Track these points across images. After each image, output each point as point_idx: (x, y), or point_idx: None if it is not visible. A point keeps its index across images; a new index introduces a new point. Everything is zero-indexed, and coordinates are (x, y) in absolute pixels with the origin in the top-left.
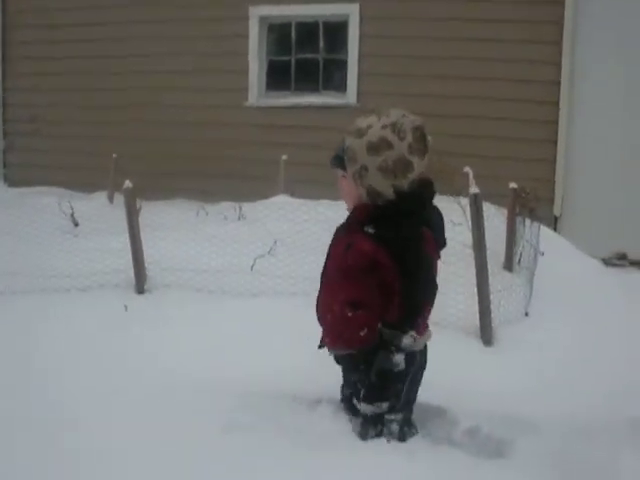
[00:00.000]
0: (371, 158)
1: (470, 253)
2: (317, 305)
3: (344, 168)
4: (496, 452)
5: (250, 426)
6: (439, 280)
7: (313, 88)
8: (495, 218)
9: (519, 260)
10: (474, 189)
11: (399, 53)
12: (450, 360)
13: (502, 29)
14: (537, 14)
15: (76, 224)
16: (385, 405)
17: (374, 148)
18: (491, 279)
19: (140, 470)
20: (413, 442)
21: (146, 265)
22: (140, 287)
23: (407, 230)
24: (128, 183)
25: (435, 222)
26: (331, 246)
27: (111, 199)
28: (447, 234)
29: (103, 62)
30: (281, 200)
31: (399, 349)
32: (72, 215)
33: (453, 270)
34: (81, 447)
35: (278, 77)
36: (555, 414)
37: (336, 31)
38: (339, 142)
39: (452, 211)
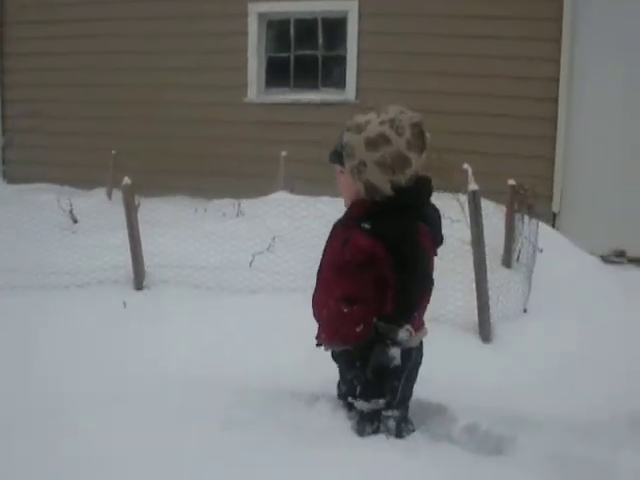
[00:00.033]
0: (369, 153)
1: (469, 250)
2: (313, 301)
3: (342, 163)
4: (495, 449)
5: (249, 422)
6: (437, 276)
7: (312, 85)
8: (494, 215)
9: (518, 257)
10: (473, 186)
11: (398, 50)
12: (448, 356)
13: (501, 26)
14: (536, 11)
15: (75, 221)
16: (382, 402)
17: (372, 143)
18: (489, 275)
19: (139, 466)
20: (412, 439)
21: (145, 262)
22: (139, 283)
23: (404, 225)
24: (127, 180)
25: (432, 218)
26: (328, 242)
27: (110, 196)
28: (446, 231)
29: (102, 59)
30: (280, 197)
31: (395, 343)
32: (71, 212)
33: (452, 267)
34: (80, 444)
35: (277, 74)
36: (554, 410)
37: (335, 28)
38: (338, 138)
39: (451, 208)
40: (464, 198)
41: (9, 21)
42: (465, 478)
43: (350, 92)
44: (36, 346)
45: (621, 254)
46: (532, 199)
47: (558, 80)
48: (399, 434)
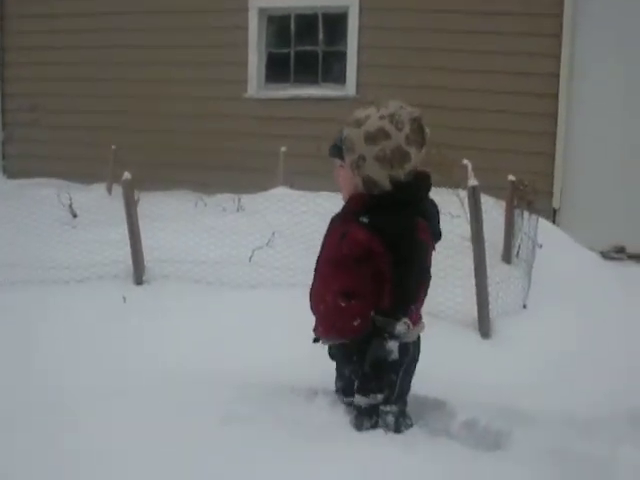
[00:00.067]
0: (368, 148)
1: (468, 245)
2: (310, 294)
3: (342, 157)
4: (494, 444)
5: (248, 417)
6: (437, 272)
7: (312, 80)
8: (493, 210)
9: (517, 252)
10: (473, 181)
11: (399, 45)
12: (448, 352)
13: (501, 21)
14: (536, 6)
15: (75, 215)
16: (380, 396)
17: (372, 138)
18: (489, 271)
19: (139, 460)
20: (410, 434)
21: (144, 256)
22: (138, 278)
23: (402, 220)
24: (127, 174)
25: (431, 213)
26: (326, 236)
27: (110, 190)
28: (446, 226)
29: (103, 52)
30: (280, 192)
31: (392, 336)
32: (71, 206)
33: (451, 262)
34: (80, 438)
35: (277, 69)
36: (553, 406)
37: (335, 23)
38: (338, 132)
39: (451, 203)
40: (464, 194)
41: (10, 14)
42: (463, 473)
43: (350, 87)
44: (36, 341)
45: (621, 250)
46: (532, 195)
47: (558, 76)
48: (397, 429)
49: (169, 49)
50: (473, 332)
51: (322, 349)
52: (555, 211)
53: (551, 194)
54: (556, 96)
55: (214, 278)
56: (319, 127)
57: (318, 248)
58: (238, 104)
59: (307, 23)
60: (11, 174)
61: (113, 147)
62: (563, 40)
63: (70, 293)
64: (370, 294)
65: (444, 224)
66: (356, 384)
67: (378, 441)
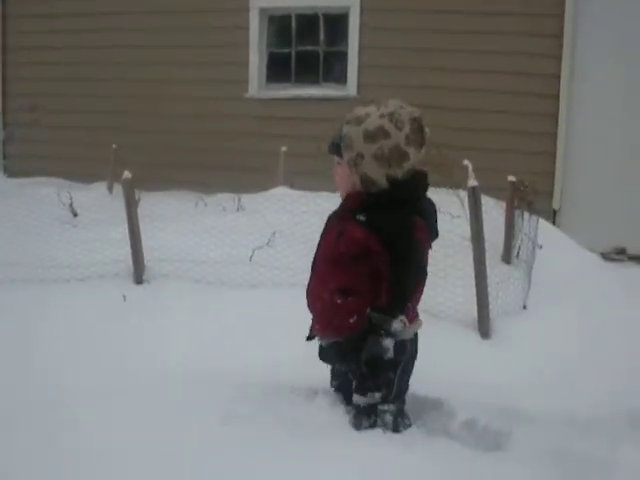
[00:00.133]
0: (367, 146)
1: (468, 245)
2: (307, 292)
3: (340, 155)
4: (494, 444)
5: (248, 417)
6: (437, 271)
7: (313, 80)
8: (494, 211)
9: (517, 253)
10: (473, 182)
11: (400, 45)
12: (447, 352)
13: (502, 21)
14: (537, 7)
15: (75, 214)
16: (378, 395)
17: (371, 136)
18: (489, 271)
19: (139, 460)
20: (408, 433)
21: (145, 256)
22: (139, 277)
23: (400, 218)
24: (127, 174)
25: (428, 212)
26: (323, 234)
27: (110, 190)
28: (446, 226)
29: (103, 52)
30: (280, 192)
31: (389, 333)
32: (71, 205)
33: (451, 262)
34: (80, 437)
35: (278, 69)
36: (553, 407)
37: (336, 23)
38: (337, 130)
39: (451, 204)
40: (464, 194)
41: (10, 14)
42: (463, 473)
43: (351, 87)
44: (36, 340)
45: (621, 251)
46: (532, 195)
47: (559, 76)
48: (396, 428)
49: (169, 49)
50: (473, 332)
51: None
52: (555, 212)
53: (551, 195)
54: (557, 96)
55: (214, 278)
56: (320, 127)
57: None
58: (239, 104)
59: (308, 23)
60: (12, 173)
61: (114, 146)
62: (564, 41)
63: (70, 292)
64: (367, 292)
65: (444, 224)
66: (354, 383)
67: (377, 441)
